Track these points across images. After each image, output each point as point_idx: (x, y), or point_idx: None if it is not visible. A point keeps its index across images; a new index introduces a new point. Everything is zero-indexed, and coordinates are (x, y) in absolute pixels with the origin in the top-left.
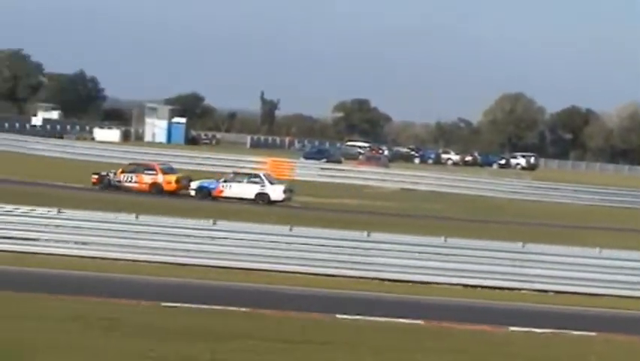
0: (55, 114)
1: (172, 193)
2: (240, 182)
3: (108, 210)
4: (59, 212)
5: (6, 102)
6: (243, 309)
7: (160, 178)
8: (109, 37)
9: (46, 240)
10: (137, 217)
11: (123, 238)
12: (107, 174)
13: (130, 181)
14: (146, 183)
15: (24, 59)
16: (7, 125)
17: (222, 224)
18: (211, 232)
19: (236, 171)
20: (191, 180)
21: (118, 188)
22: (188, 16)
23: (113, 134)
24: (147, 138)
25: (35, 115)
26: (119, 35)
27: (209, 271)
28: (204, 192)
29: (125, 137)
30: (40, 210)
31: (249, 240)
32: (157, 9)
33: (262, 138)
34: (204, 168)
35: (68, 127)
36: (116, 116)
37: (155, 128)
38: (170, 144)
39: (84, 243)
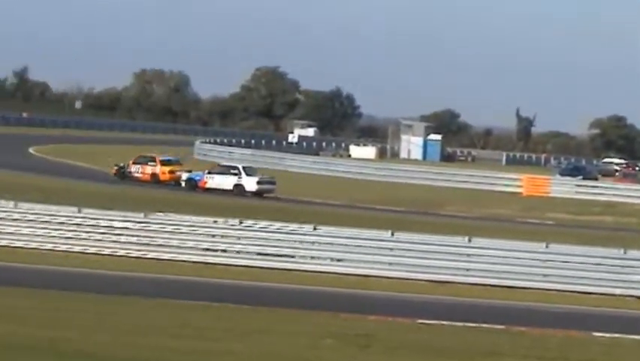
0: (310, 131)
1: (167, 183)
2: (221, 174)
3: (361, 226)
4: (315, 228)
5: (263, 119)
6: (499, 326)
7: (158, 169)
8: (365, 55)
9: (301, 256)
10: (392, 234)
11: (379, 254)
12: (123, 166)
13: (137, 172)
14: (147, 174)
15: (281, 77)
16: (264, 142)
17: (477, 241)
18: (467, 248)
19: (220, 164)
20: (189, 172)
21: (130, 178)
22: (452, 33)
23: (368, 151)
24: (403, 154)
25: (292, 132)
26: (376, 53)
27: (463, 289)
28: (192, 184)
29: (381, 153)
30: (294, 226)
31: (504, 257)
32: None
33: (518, 154)
34: (457, 185)
35: (324, 144)
36: (371, 133)
37: (411, 144)
38: (426, 161)
39: (339, 260)
